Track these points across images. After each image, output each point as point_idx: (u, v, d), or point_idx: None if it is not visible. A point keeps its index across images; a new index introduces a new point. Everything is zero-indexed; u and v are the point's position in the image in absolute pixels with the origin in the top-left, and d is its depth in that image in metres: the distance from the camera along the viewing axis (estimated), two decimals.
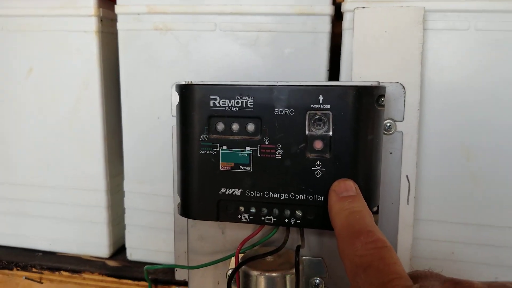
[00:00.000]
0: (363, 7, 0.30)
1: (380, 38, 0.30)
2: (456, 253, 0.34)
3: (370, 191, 0.27)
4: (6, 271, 0.41)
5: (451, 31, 0.31)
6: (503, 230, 0.33)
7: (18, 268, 0.41)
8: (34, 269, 0.41)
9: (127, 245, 0.41)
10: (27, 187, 0.41)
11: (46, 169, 0.40)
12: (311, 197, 0.27)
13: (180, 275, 0.36)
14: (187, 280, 0.34)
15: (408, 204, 0.31)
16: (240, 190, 0.27)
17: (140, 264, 0.40)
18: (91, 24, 0.36)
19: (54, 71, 0.38)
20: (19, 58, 0.38)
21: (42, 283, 0.41)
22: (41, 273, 0.41)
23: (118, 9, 0.35)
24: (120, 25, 0.36)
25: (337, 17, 0.34)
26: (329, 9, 0.32)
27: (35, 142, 0.40)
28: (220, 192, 0.28)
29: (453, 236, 0.33)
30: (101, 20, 0.36)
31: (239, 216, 0.28)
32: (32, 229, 0.42)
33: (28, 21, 0.37)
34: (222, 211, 0.28)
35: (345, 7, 0.32)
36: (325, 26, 0.33)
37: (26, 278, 0.40)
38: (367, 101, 0.26)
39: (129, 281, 0.39)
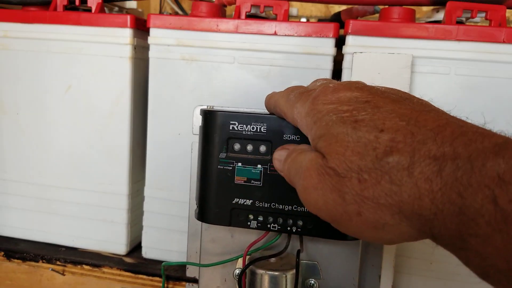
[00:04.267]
0: (361, 52, 0.36)
1: (374, 79, 0.36)
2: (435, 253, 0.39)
3: None
4: (33, 263, 0.46)
5: (435, 74, 0.37)
6: None
7: (43, 261, 0.46)
8: (58, 262, 0.45)
9: (143, 244, 0.46)
10: (56, 188, 0.46)
11: (76, 174, 0.45)
12: None
13: (191, 272, 0.40)
14: (197, 277, 0.39)
15: None
16: (251, 201, 0.32)
17: (154, 261, 0.45)
18: (126, 51, 0.42)
19: (90, 89, 0.43)
20: (60, 76, 0.44)
21: (64, 275, 0.45)
22: (64, 266, 0.45)
23: (150, 40, 0.41)
24: (151, 54, 0.41)
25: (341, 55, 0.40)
26: (331, 50, 0.38)
27: (68, 149, 0.45)
28: (234, 202, 0.33)
29: None
30: (135, 48, 0.42)
31: (249, 223, 0.33)
32: (58, 226, 0.47)
33: (71, 45, 0.43)
34: (234, 218, 0.33)
35: (345, 50, 0.37)
36: (328, 64, 0.38)
37: (52, 269, 0.45)
38: None
39: (144, 277, 0.44)
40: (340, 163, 0.20)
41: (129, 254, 0.47)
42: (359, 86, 0.23)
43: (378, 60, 0.36)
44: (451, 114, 0.23)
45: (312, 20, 0.41)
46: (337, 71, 0.39)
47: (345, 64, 0.38)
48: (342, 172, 0.20)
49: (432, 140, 0.18)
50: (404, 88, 0.36)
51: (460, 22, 0.39)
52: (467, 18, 0.40)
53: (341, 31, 0.39)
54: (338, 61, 0.39)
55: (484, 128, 0.19)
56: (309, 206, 0.22)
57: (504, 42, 0.35)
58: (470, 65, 0.36)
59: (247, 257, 0.34)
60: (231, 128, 0.32)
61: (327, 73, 0.38)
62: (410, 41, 0.36)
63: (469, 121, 0.20)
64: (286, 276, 0.32)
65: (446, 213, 0.17)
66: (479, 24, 0.40)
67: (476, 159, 0.17)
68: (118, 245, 0.46)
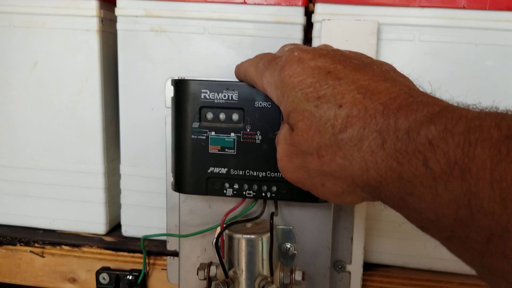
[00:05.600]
0: (329, 19, 0.37)
1: (342, 46, 0.36)
2: None
3: None
4: (10, 247, 0.45)
5: (400, 41, 0.38)
6: None
7: (21, 244, 0.45)
8: (36, 244, 0.45)
9: (122, 223, 0.46)
10: (30, 170, 0.45)
11: (48, 154, 0.45)
12: None
13: (171, 245, 0.41)
14: (177, 250, 0.40)
15: None
16: (226, 169, 0.33)
17: (134, 239, 0.45)
18: (93, 24, 0.41)
19: (57, 65, 0.42)
20: (25, 53, 0.42)
21: (43, 257, 0.45)
22: (43, 247, 0.45)
23: (118, 11, 0.40)
24: (119, 26, 0.40)
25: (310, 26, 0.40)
26: (301, 19, 0.38)
27: (39, 129, 0.44)
28: (209, 171, 0.33)
29: None
30: (102, 21, 0.41)
31: (225, 191, 0.33)
32: (34, 209, 0.46)
33: (34, 18, 0.41)
34: (210, 187, 0.33)
35: (314, 18, 0.38)
36: (298, 33, 0.39)
37: (30, 251, 0.44)
38: None
39: (125, 253, 0.44)
40: (304, 141, 0.23)
41: (108, 233, 0.47)
42: (322, 53, 0.24)
43: (346, 27, 0.36)
44: (411, 79, 0.24)
45: None
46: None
47: (315, 33, 0.38)
48: (305, 149, 0.23)
49: (380, 114, 0.21)
50: (371, 55, 0.37)
51: None
52: None
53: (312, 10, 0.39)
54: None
55: (429, 96, 0.21)
56: (288, 181, 0.26)
57: (464, 7, 0.37)
58: (433, 31, 0.37)
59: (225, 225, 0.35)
60: (202, 96, 0.32)
61: (298, 43, 0.39)
62: (376, 8, 0.37)
63: (421, 88, 0.23)
64: (262, 239, 0.33)
65: (389, 180, 0.20)
66: None
67: (413, 130, 0.19)
68: (97, 225, 0.46)
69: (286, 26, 0.39)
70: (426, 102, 0.20)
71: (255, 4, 0.38)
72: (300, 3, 0.38)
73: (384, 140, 0.20)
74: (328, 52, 0.24)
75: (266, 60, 0.27)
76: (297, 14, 0.38)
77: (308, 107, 0.22)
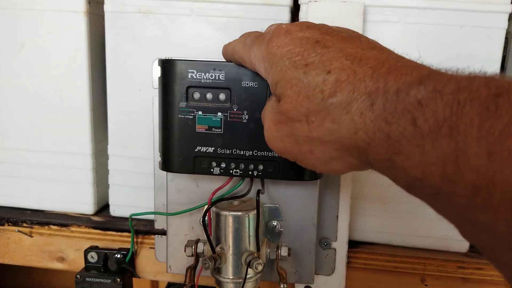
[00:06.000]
0: (316, 1, 0.37)
1: None
2: None
3: None
4: None
5: (386, 23, 0.38)
6: None
7: (10, 224, 0.45)
8: (24, 224, 0.45)
9: (110, 203, 0.46)
10: (18, 151, 0.45)
11: (36, 135, 0.44)
12: (270, 154, 0.33)
13: (159, 224, 0.42)
14: (165, 228, 0.41)
15: None
16: (213, 148, 0.33)
17: (122, 219, 0.46)
18: (80, 5, 0.40)
19: (44, 46, 0.42)
20: (12, 34, 0.42)
21: (32, 236, 0.45)
22: (31, 227, 0.45)
23: None
24: (106, 7, 0.40)
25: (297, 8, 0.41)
26: (288, 1, 0.39)
27: (27, 110, 0.44)
28: (196, 150, 0.33)
29: None
30: (89, 2, 0.41)
31: (212, 170, 0.34)
32: (22, 190, 0.46)
33: (21, 0, 0.41)
34: (197, 166, 0.34)
35: (301, 0, 0.38)
36: (285, 15, 0.39)
37: (18, 231, 0.45)
38: None
39: (113, 233, 0.44)
40: (292, 108, 0.23)
41: (96, 213, 0.47)
42: (310, 25, 0.24)
43: (332, 8, 0.37)
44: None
45: None
46: None
47: (301, 14, 0.39)
48: (293, 117, 0.23)
49: (369, 77, 0.21)
50: None
51: None
52: None
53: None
54: None
55: (417, 63, 0.21)
56: (275, 151, 0.26)
57: None
58: (418, 13, 0.38)
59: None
60: (189, 76, 0.33)
61: None
62: None
63: (408, 57, 0.23)
64: (248, 216, 0.34)
65: (377, 141, 0.20)
66: None
67: (402, 91, 0.19)
68: (85, 205, 0.46)
69: (273, 8, 0.39)
70: (415, 66, 0.20)
71: None
72: None
73: (373, 102, 0.20)
74: (315, 24, 0.25)
75: (253, 36, 0.27)
76: None
77: (296, 74, 0.23)
